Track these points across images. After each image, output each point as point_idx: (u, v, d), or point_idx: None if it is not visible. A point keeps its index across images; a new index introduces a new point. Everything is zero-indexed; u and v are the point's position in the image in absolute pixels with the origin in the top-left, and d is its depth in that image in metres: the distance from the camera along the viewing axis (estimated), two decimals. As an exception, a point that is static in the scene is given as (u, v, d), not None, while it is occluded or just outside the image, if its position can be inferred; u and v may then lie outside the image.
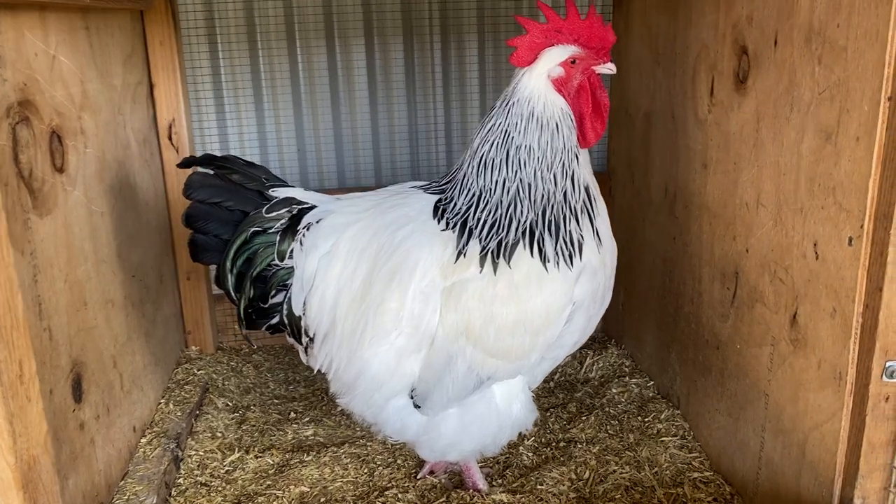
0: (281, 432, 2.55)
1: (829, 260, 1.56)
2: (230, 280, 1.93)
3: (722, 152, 2.02)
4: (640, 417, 2.48)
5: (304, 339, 1.97)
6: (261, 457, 2.38)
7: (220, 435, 2.50)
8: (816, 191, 1.59)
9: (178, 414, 2.51)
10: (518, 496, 2.09)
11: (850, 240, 1.48)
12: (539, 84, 1.80)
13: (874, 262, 1.44)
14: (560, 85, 1.81)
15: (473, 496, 2.09)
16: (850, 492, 1.57)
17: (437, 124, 3.62)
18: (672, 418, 2.44)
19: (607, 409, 2.57)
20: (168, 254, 2.79)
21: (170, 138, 2.71)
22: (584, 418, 2.52)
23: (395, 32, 3.42)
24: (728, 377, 2.07)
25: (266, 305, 1.97)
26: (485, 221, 1.83)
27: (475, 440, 1.98)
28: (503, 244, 1.80)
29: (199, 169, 1.96)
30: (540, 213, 1.81)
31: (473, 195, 1.85)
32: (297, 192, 1.96)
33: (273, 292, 1.95)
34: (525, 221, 1.81)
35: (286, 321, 1.96)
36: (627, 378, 2.75)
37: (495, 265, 1.79)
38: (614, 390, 2.68)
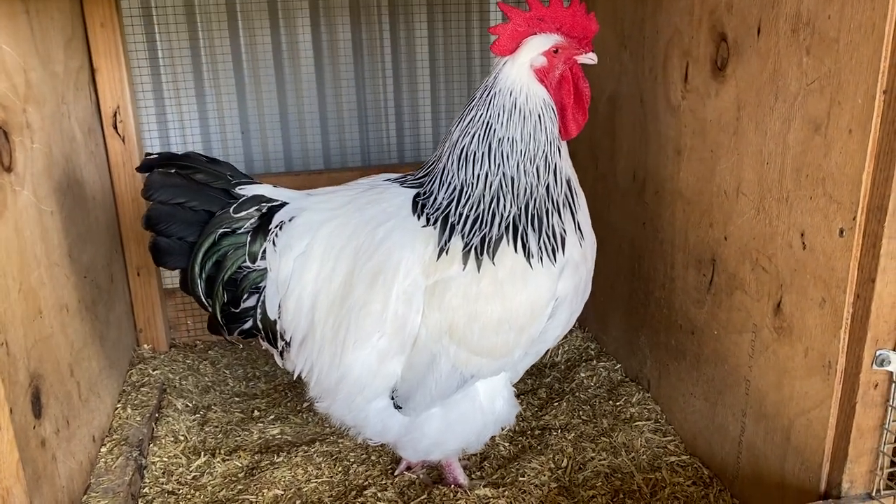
0: (246, 432, 2.46)
1: (818, 250, 1.57)
2: (200, 285, 1.82)
3: (697, 139, 2.02)
4: (611, 402, 2.50)
5: (280, 344, 1.89)
6: (228, 460, 2.30)
7: (182, 438, 2.40)
8: (804, 181, 1.60)
9: (138, 419, 2.39)
10: (501, 489, 2.07)
11: (842, 231, 1.49)
12: (521, 74, 1.75)
13: (866, 253, 1.45)
14: (542, 75, 1.76)
15: (456, 492, 2.06)
16: (839, 476, 1.60)
17: (387, 106, 3.53)
18: (643, 401, 2.46)
19: (577, 393, 2.58)
20: (117, 250, 2.64)
21: (115, 127, 2.55)
22: (555, 404, 2.51)
23: (342, 12, 3.30)
24: (704, 362, 2.09)
25: (237, 310, 1.87)
26: (467, 216, 1.78)
27: (459, 439, 1.95)
28: (486, 240, 1.75)
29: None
30: (523, 208, 1.77)
31: (454, 189, 1.80)
32: (265, 189, 1.86)
33: (245, 296, 1.85)
34: (508, 216, 1.76)
35: (260, 325, 1.87)
36: (594, 361, 2.76)
37: (479, 262, 1.75)
38: (582, 374, 2.68)
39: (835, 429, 1.60)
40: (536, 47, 1.74)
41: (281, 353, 1.93)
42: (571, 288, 1.83)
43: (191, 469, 2.26)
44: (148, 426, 2.38)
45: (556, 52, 1.75)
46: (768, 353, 1.79)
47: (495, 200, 1.77)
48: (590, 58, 1.79)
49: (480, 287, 1.74)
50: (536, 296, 1.77)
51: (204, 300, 1.84)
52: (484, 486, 2.08)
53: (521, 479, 2.12)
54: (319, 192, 1.92)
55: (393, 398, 1.89)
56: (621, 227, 2.55)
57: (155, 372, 2.71)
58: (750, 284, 1.84)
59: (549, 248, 1.78)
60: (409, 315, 1.77)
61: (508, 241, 1.76)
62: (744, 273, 1.86)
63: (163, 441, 2.37)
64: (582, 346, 2.92)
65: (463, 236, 1.77)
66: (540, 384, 2.68)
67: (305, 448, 2.34)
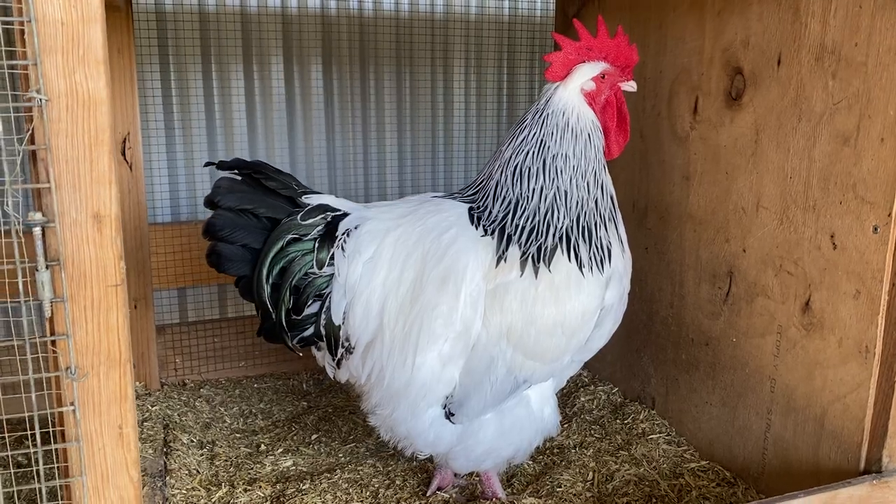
0: (259, 465, 2.40)
1: (851, 248, 1.78)
2: (266, 290, 1.83)
3: (709, 164, 2.23)
4: (618, 420, 2.61)
5: (340, 350, 1.90)
6: (250, 490, 2.23)
7: (196, 472, 2.31)
8: (832, 188, 1.82)
9: (151, 452, 2.29)
10: (544, 499, 2.12)
11: (876, 228, 1.71)
12: (573, 96, 1.91)
13: (901, 245, 1.67)
14: (591, 99, 1.92)
15: (499, 504, 2.10)
16: (878, 452, 1.77)
17: (356, 153, 3.64)
18: (651, 418, 2.58)
19: (583, 416, 2.68)
20: (118, 280, 2.56)
21: (123, 154, 2.51)
22: (565, 426, 2.60)
23: (315, 60, 3.43)
24: (721, 370, 2.25)
25: (299, 317, 1.88)
26: (523, 228, 1.88)
27: (513, 445, 2.00)
28: (542, 249, 1.87)
29: (224, 173, 1.86)
30: (574, 220, 1.89)
31: (510, 203, 1.91)
32: (329, 199, 1.91)
33: (309, 302, 1.87)
34: (561, 228, 1.88)
35: (323, 331, 1.88)
36: (592, 387, 2.87)
37: (536, 269, 1.85)
38: (583, 399, 2.79)
39: (873, 408, 1.77)
40: (587, 73, 1.91)
41: (338, 362, 1.93)
42: (617, 297, 1.96)
43: (212, 500, 2.18)
44: (161, 459, 2.28)
45: (603, 77, 1.93)
46: (796, 349, 1.96)
47: (550, 213, 1.89)
48: (631, 85, 1.97)
49: (538, 291, 1.84)
50: (588, 302, 1.89)
51: (269, 306, 1.84)
52: (528, 495, 2.12)
53: (557, 489, 2.18)
54: (377, 204, 1.98)
55: (445, 406, 1.93)
56: (618, 256, 2.72)
57: (154, 408, 2.60)
58: (773, 289, 2.03)
59: (598, 259, 1.91)
60: (474, 318, 1.84)
61: (563, 250, 1.87)
62: (766, 280, 2.05)
63: (178, 474, 2.27)
64: (573, 375, 3.02)
65: (520, 245, 1.87)
66: (543, 410, 2.76)
67: (328, 476, 2.30)
